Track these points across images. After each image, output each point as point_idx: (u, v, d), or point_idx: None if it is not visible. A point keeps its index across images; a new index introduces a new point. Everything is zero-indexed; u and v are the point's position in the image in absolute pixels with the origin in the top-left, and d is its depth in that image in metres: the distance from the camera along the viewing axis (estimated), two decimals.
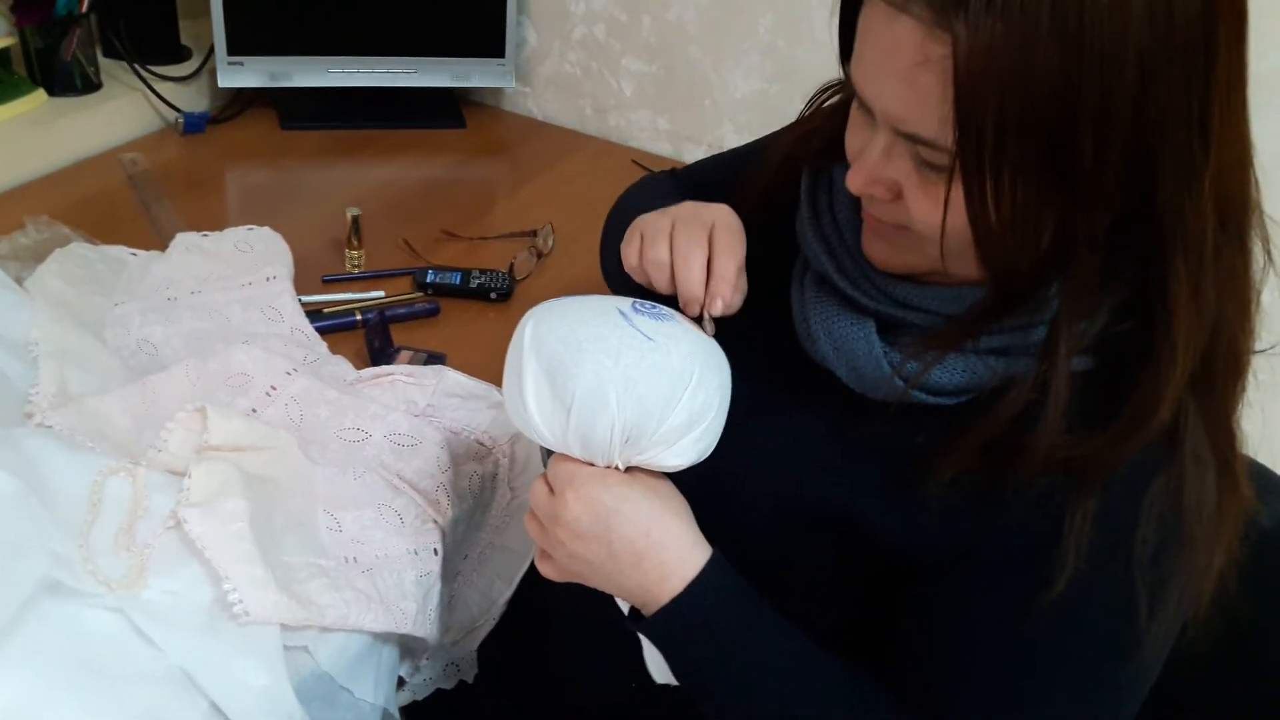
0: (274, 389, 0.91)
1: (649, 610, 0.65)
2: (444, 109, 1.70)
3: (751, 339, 0.71)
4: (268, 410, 0.90)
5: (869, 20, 0.56)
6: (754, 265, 0.72)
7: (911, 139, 0.56)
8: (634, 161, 1.63)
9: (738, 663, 0.65)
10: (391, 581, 0.81)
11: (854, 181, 0.61)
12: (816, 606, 0.69)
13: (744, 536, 0.69)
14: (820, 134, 0.73)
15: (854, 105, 0.63)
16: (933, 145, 0.55)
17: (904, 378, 0.62)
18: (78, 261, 1.08)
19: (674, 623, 0.65)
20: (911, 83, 0.54)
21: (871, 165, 0.60)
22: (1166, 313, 0.56)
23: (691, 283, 0.69)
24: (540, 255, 1.32)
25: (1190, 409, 0.59)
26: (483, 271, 1.24)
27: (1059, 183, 0.53)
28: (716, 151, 1.62)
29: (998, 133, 0.51)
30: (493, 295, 1.22)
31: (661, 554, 0.65)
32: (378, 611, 0.78)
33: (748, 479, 0.70)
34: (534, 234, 1.36)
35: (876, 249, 0.65)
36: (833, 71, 0.69)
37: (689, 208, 0.74)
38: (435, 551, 0.86)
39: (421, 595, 0.82)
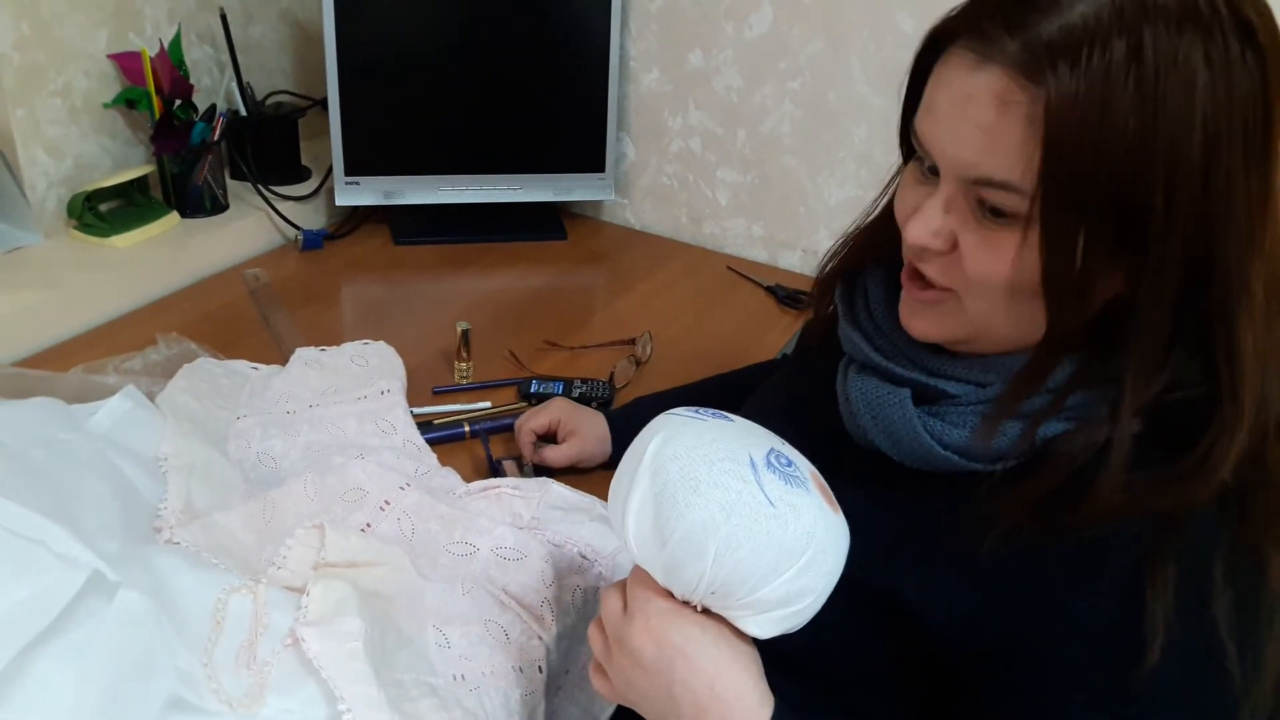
0: (388, 504, 0.94)
1: None
2: (547, 222, 1.76)
3: (800, 429, 0.73)
4: (381, 524, 0.93)
5: (947, 71, 0.61)
6: (809, 382, 0.81)
7: (981, 183, 0.59)
8: (729, 268, 1.66)
9: None
10: (498, 701, 0.81)
11: (913, 232, 0.64)
12: (875, 709, 0.67)
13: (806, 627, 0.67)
14: (851, 253, 0.80)
15: (909, 168, 0.68)
16: (1005, 187, 0.58)
17: (944, 444, 0.64)
18: (203, 376, 1.14)
19: None
20: (991, 127, 0.58)
21: (930, 216, 0.63)
22: (1233, 375, 0.58)
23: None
24: (639, 363, 1.34)
25: (1249, 481, 0.58)
26: (584, 381, 1.26)
27: (1129, 239, 0.56)
28: (811, 256, 1.65)
29: (1075, 184, 0.56)
30: (594, 404, 1.24)
31: (725, 710, 0.61)
32: None
33: None
34: (633, 342, 1.38)
35: (917, 320, 0.68)
36: None
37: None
38: (540, 669, 0.86)
39: (526, 715, 0.82)
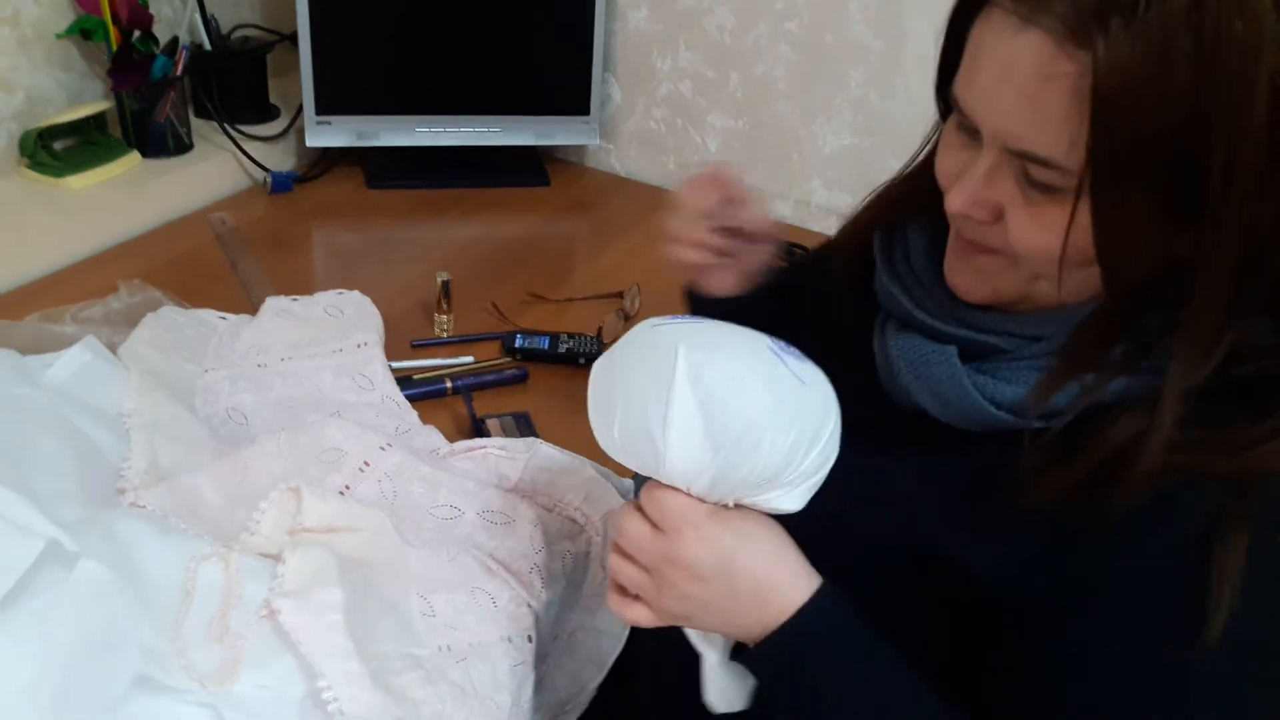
0: (367, 465, 0.89)
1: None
2: (528, 167, 1.70)
3: (838, 394, 0.69)
4: (361, 487, 0.88)
5: (987, 34, 0.55)
6: (837, 331, 0.74)
7: (1025, 157, 0.55)
8: None
9: (850, 688, 0.61)
10: (485, 672, 0.78)
11: (954, 202, 0.60)
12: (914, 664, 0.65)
13: (838, 581, 0.65)
14: (892, 197, 0.75)
15: (949, 126, 0.63)
16: (1048, 164, 0.54)
17: (997, 403, 0.60)
18: (168, 326, 1.09)
19: (790, 643, 0.61)
20: (1034, 99, 0.53)
21: (974, 186, 0.59)
22: None
23: None
24: (628, 317, 1.29)
25: None
26: (570, 336, 1.21)
27: (1188, 206, 0.52)
28: (803, 207, 1.60)
29: (1129, 152, 0.51)
30: (581, 361, 1.19)
31: (783, 588, 0.62)
32: (473, 706, 0.74)
33: (840, 520, 0.66)
34: (621, 295, 1.34)
35: (963, 278, 0.65)
36: (927, 128, 0.69)
37: None
38: (529, 638, 0.82)
39: (515, 686, 0.79)
